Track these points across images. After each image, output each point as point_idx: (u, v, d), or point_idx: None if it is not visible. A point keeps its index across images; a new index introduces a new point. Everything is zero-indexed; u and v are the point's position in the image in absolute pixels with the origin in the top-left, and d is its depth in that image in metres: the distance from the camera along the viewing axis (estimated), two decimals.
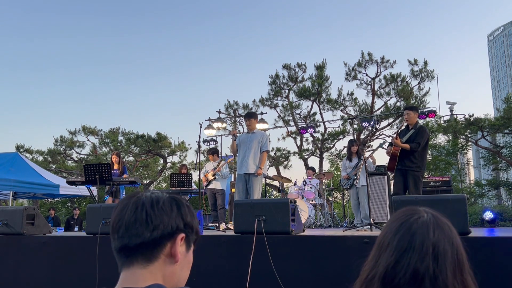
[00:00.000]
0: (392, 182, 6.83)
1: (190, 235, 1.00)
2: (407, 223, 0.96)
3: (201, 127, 7.18)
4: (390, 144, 6.18)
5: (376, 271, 0.93)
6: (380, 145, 6.83)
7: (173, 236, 0.96)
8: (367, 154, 7.13)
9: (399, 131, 6.45)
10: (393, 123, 15.64)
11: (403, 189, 5.73)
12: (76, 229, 12.36)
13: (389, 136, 15.81)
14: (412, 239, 0.92)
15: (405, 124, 6.26)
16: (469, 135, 16.07)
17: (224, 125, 14.96)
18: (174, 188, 8.15)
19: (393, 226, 0.97)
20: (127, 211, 0.96)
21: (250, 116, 6.58)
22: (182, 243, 0.98)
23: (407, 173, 5.69)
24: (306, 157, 16.59)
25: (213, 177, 8.00)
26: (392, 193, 6.20)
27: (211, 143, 13.88)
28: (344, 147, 17.45)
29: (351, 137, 16.14)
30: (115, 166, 7.76)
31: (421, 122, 7.62)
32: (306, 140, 16.92)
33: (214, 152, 8.67)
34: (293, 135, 16.69)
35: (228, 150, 14.58)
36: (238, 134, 6.77)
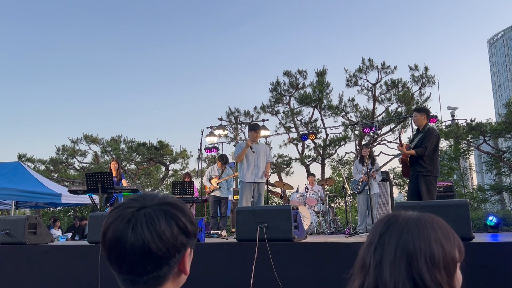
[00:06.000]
0: (394, 188, 6.81)
1: (194, 241, 0.94)
2: (392, 229, 0.94)
3: (202, 134, 7.20)
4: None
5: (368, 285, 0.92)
6: (397, 156, 6.87)
7: (182, 257, 0.90)
8: (380, 163, 7.17)
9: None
10: (394, 129, 15.64)
11: (416, 194, 5.57)
12: (77, 238, 12.35)
13: (390, 142, 15.84)
14: (397, 247, 0.90)
15: (416, 127, 6.14)
16: (471, 140, 16.06)
17: (226, 132, 14.98)
18: (176, 197, 8.15)
19: (373, 239, 0.95)
20: (128, 243, 0.84)
21: (258, 127, 6.98)
22: (190, 254, 0.93)
23: (418, 178, 5.56)
24: (307, 163, 16.59)
25: (218, 187, 8.08)
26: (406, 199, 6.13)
27: (212, 150, 13.91)
28: (346, 153, 17.49)
29: (353, 143, 16.19)
30: (114, 174, 7.77)
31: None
32: (308, 146, 16.94)
33: (226, 161, 8.62)
34: (295, 142, 16.70)
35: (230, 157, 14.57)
36: (240, 142, 6.85)
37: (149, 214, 0.87)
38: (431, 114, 11.22)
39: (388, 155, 16.07)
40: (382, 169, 8.39)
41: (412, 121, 6.06)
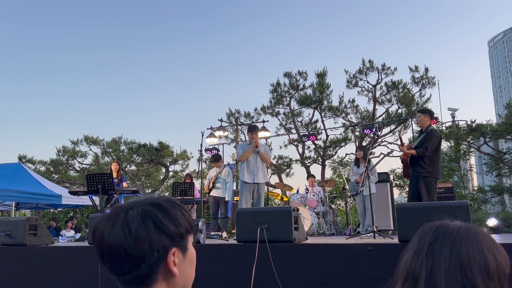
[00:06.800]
0: (394, 189, 6.79)
1: (182, 242, 0.92)
2: (442, 238, 0.91)
3: (203, 135, 7.23)
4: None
5: None
6: (387, 154, 6.83)
7: (163, 256, 0.89)
8: (374, 162, 7.13)
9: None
10: (394, 130, 15.65)
11: (416, 195, 5.56)
12: None
13: (391, 143, 15.83)
14: (451, 255, 0.88)
15: (419, 128, 6.12)
16: (471, 141, 16.05)
17: (226, 133, 14.98)
18: (177, 198, 8.14)
19: (421, 248, 0.92)
20: (105, 242, 0.88)
21: (254, 129, 6.97)
22: (176, 254, 0.91)
23: (418, 179, 5.55)
24: (308, 164, 16.59)
25: (213, 184, 8.00)
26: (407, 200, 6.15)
27: (213, 151, 13.90)
28: (346, 154, 17.48)
29: (353, 144, 16.19)
30: (114, 175, 7.78)
31: None
32: (308, 147, 16.94)
33: (215, 159, 8.60)
34: (295, 143, 16.71)
35: (230, 158, 14.59)
36: (240, 143, 6.86)
37: (131, 214, 0.89)
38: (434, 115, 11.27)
39: (388, 156, 16.06)
40: (383, 170, 8.39)
41: (415, 122, 6.08)
